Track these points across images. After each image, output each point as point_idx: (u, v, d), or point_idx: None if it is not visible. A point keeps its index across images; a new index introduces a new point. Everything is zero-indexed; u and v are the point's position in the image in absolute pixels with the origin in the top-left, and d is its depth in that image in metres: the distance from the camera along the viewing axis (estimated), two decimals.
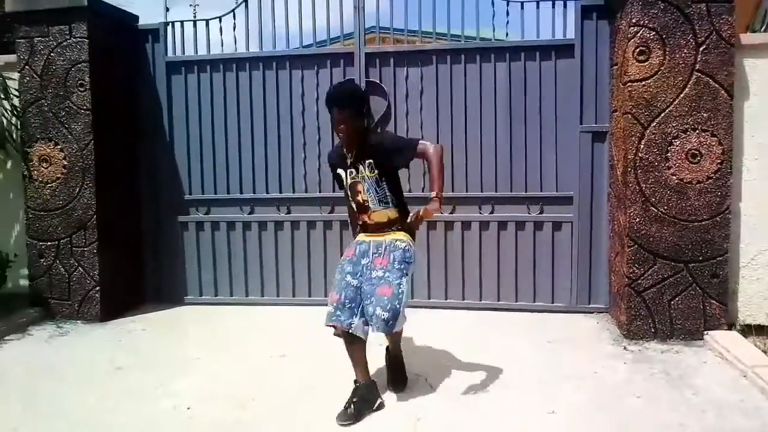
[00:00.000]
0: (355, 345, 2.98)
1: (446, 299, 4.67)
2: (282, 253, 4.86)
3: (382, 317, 2.85)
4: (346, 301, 2.95)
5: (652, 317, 3.86)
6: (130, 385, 3.35)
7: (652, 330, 3.86)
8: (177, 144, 4.92)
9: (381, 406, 2.99)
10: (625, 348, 3.75)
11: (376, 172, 3.02)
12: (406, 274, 3.00)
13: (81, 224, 4.49)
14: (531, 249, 4.54)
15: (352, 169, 3.08)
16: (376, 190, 3.04)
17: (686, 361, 3.50)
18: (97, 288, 4.51)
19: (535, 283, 4.56)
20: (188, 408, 3.01)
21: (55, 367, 3.65)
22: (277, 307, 4.80)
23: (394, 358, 3.28)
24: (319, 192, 4.76)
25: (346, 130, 2.99)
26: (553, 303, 4.54)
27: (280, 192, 4.84)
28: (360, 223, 3.17)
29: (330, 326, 2.97)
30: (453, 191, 4.59)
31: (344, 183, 3.15)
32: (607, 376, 3.33)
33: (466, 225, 4.62)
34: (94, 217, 4.47)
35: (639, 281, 3.86)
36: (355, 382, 3.01)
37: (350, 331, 2.91)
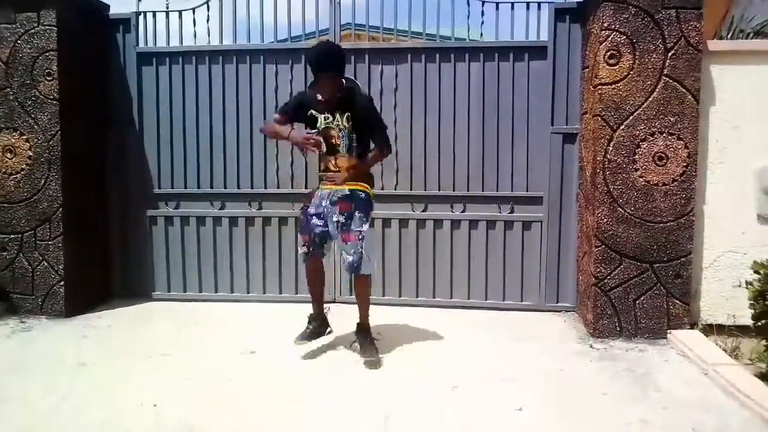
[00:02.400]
0: (318, 279, 3.58)
1: (417, 297, 4.69)
2: (253, 250, 4.82)
3: (348, 260, 3.37)
4: (316, 239, 3.44)
5: (617, 316, 3.93)
6: (95, 381, 3.28)
7: (618, 329, 3.94)
8: (147, 137, 4.83)
9: (330, 332, 3.71)
10: (591, 346, 3.82)
11: (351, 123, 3.40)
12: (367, 221, 3.44)
13: (46, 217, 4.38)
14: (501, 248, 4.59)
15: (328, 115, 3.42)
16: (347, 137, 3.42)
17: (650, 360, 3.58)
18: (62, 282, 4.41)
19: (505, 281, 4.61)
20: (155, 405, 2.96)
21: (18, 363, 3.56)
22: (247, 303, 4.76)
23: (362, 325, 3.60)
24: (292, 188, 4.73)
25: (332, 89, 3.34)
26: (522, 301, 4.60)
27: (252, 187, 4.79)
28: (321, 168, 3.54)
29: (309, 260, 3.50)
30: (425, 189, 4.61)
31: (317, 124, 3.45)
32: (573, 373, 3.39)
33: (438, 223, 4.64)
34: (60, 209, 4.37)
35: (605, 281, 3.93)
36: (310, 316, 3.63)
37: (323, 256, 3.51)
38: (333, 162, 3.47)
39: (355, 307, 3.66)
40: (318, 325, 3.65)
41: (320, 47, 3.49)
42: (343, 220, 3.38)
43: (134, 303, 4.78)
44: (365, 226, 3.42)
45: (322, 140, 3.44)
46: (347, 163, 3.45)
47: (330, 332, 3.74)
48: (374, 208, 3.61)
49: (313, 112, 3.45)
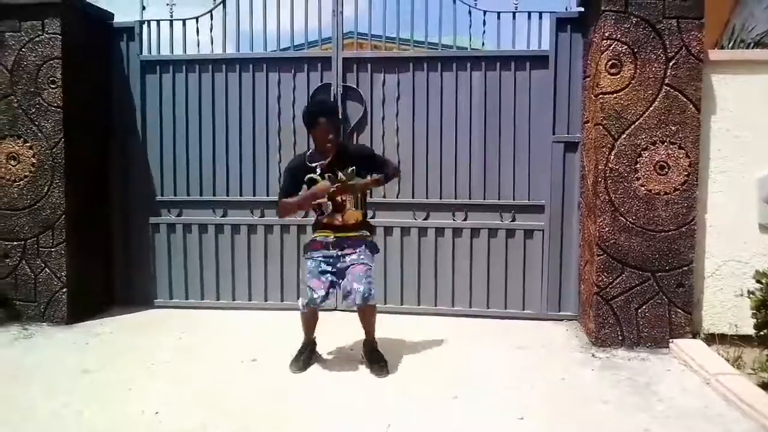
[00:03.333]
0: (315, 318, 3.59)
1: (419, 305, 4.69)
2: (254, 257, 4.83)
3: (359, 290, 3.34)
4: (326, 285, 3.41)
5: (619, 325, 3.93)
6: (96, 388, 3.28)
7: (620, 338, 3.93)
8: (150, 144, 4.85)
9: (319, 359, 3.69)
10: (593, 355, 3.82)
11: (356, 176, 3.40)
12: (373, 258, 3.55)
13: (49, 224, 4.40)
14: (503, 256, 4.60)
15: (331, 174, 3.38)
16: (353, 195, 3.45)
17: (652, 369, 3.57)
18: (64, 289, 4.42)
19: (507, 290, 4.61)
20: (156, 412, 2.96)
21: (20, 370, 3.57)
22: (249, 311, 4.76)
23: (370, 343, 3.60)
24: None
25: (335, 138, 3.38)
26: (523, 310, 4.59)
27: (254, 195, 4.80)
28: (324, 221, 3.53)
29: (312, 307, 3.45)
30: (427, 198, 4.62)
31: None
32: (575, 382, 3.38)
33: (439, 231, 4.65)
34: (63, 217, 4.38)
35: (607, 289, 3.93)
36: (303, 344, 3.63)
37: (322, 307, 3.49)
38: (339, 218, 3.49)
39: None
40: (311, 351, 3.67)
41: (318, 100, 3.76)
42: (355, 258, 3.45)
43: (136, 310, 4.78)
44: (373, 264, 3.52)
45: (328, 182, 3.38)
46: (353, 218, 3.51)
47: (318, 358, 3.71)
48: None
49: (312, 175, 3.42)
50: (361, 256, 3.46)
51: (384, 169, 3.55)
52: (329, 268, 3.45)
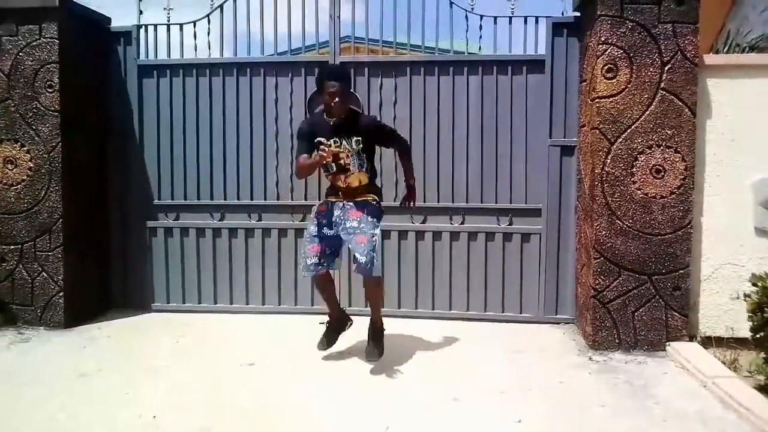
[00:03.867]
0: (329, 286, 3.61)
1: (416, 309, 4.69)
2: (252, 261, 4.82)
3: (361, 261, 3.36)
4: (327, 249, 3.47)
5: (616, 328, 3.94)
6: (93, 392, 3.28)
7: (617, 341, 3.94)
8: (147, 148, 4.85)
9: (351, 323, 3.80)
10: (590, 358, 3.83)
11: (362, 146, 3.48)
12: (378, 225, 3.51)
13: (46, 228, 4.39)
14: (500, 260, 4.60)
15: (337, 139, 3.46)
16: (356, 157, 3.49)
17: (649, 372, 3.58)
18: (61, 293, 4.41)
19: (504, 293, 4.62)
20: (154, 417, 2.95)
21: (16, 374, 3.56)
22: (246, 315, 4.75)
23: (375, 324, 3.64)
24: (291, 199, 4.75)
25: (340, 102, 3.41)
26: (521, 313, 4.60)
27: (252, 199, 4.81)
28: (329, 186, 3.62)
29: (315, 274, 3.50)
30: (425, 201, 4.63)
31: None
32: (572, 385, 3.39)
33: (436, 235, 4.66)
34: (60, 221, 4.38)
35: (604, 293, 3.94)
36: (328, 320, 3.69)
37: (331, 271, 3.56)
38: (342, 179, 3.53)
39: (361, 318, 3.66)
40: (337, 325, 3.75)
41: (328, 65, 3.77)
42: (356, 225, 3.46)
43: (133, 314, 4.77)
44: (377, 230, 3.50)
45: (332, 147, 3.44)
46: (358, 179, 3.53)
47: (351, 324, 3.83)
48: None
49: (320, 139, 3.48)
50: (362, 224, 3.45)
51: (393, 144, 3.76)
52: (329, 232, 3.49)
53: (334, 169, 3.52)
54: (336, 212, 3.53)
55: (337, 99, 3.40)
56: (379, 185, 3.81)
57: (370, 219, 3.50)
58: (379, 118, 4.29)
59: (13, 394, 3.25)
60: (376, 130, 3.62)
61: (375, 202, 3.59)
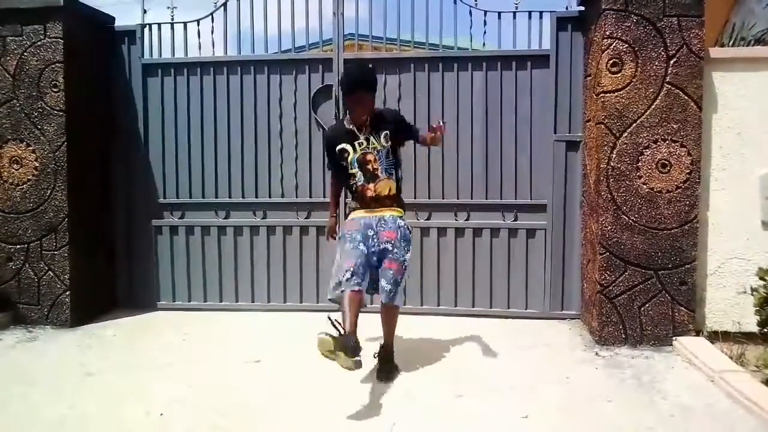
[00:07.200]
0: (358, 303, 3.16)
1: (422, 305, 4.69)
2: (257, 259, 4.83)
3: (386, 288, 3.28)
4: (360, 267, 3.23)
5: (623, 323, 3.93)
6: (100, 391, 3.29)
7: (623, 336, 3.93)
8: (152, 147, 4.87)
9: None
10: (596, 354, 3.82)
11: (390, 142, 3.40)
12: (410, 250, 3.42)
13: (52, 227, 4.41)
14: (505, 256, 4.60)
15: (363, 141, 3.39)
16: (385, 160, 3.40)
17: (656, 367, 3.57)
18: (68, 292, 4.43)
19: (509, 289, 4.61)
20: (161, 414, 2.97)
21: (24, 373, 3.58)
22: (252, 312, 4.76)
23: (385, 350, 3.49)
24: (296, 197, 4.76)
25: (368, 109, 3.37)
26: (527, 309, 4.59)
27: (257, 197, 4.81)
28: (358, 198, 3.45)
29: (352, 290, 3.14)
30: (429, 198, 4.62)
31: (349, 157, 3.40)
32: (579, 381, 3.38)
33: (441, 231, 4.65)
34: (66, 220, 4.39)
35: (610, 288, 3.93)
36: (346, 333, 3.03)
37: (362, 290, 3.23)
38: (372, 188, 3.40)
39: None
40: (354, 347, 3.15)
41: (354, 67, 3.69)
42: (390, 248, 3.33)
43: (139, 313, 4.79)
44: (409, 255, 3.41)
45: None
46: (387, 187, 3.42)
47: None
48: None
49: (344, 145, 3.40)
50: (395, 249, 3.32)
51: (411, 134, 3.59)
52: (364, 249, 3.27)
53: (362, 180, 3.40)
54: (368, 231, 3.34)
55: (366, 106, 3.35)
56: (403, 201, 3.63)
57: (402, 243, 3.37)
58: None
59: (21, 393, 3.26)
60: (400, 120, 3.56)
61: (404, 222, 3.45)
